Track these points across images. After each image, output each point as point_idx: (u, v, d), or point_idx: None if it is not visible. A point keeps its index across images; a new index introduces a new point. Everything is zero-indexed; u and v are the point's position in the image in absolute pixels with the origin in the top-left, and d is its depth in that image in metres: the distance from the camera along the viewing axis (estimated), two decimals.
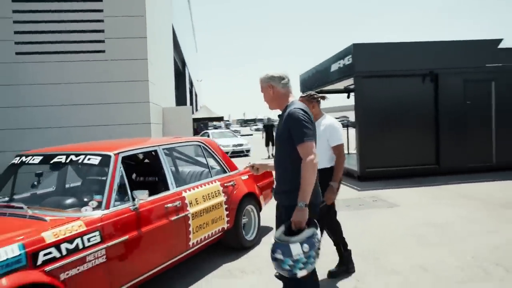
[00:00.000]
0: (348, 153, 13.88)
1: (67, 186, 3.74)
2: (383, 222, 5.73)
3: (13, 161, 3.74)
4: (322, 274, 3.68)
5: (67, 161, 3.38)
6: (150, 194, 3.41)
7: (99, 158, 3.32)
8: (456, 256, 4.27)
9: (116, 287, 3.03)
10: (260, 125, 54.11)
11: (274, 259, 2.41)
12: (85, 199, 3.15)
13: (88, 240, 2.82)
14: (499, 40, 9.60)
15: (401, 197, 7.27)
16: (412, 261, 4.18)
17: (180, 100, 21.52)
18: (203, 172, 4.71)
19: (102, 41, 8.16)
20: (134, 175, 4.49)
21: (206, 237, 4.13)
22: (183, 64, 23.74)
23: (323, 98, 3.91)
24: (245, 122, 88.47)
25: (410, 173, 9.44)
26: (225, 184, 4.50)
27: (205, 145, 4.65)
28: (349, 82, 11.08)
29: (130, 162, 4.44)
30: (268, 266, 3.97)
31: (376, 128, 9.33)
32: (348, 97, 14.82)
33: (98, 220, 2.96)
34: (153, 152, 3.88)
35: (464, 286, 3.56)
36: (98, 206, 3.05)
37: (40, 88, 7.99)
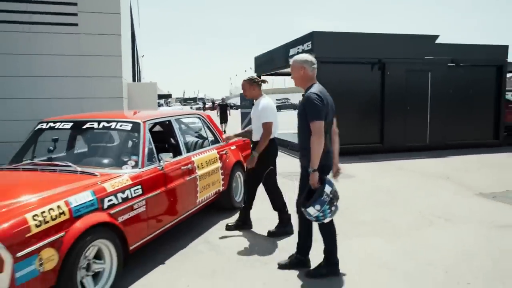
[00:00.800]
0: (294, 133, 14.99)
1: (99, 148, 4.19)
2: (345, 188, 6.68)
3: (39, 126, 4.12)
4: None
5: (100, 126, 3.86)
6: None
7: (131, 124, 3.84)
8: (407, 212, 5.33)
9: (150, 232, 3.63)
10: (201, 104, 55.15)
11: (308, 219, 3.32)
12: (123, 159, 3.68)
13: (134, 191, 3.39)
14: (436, 36, 10.97)
15: (354, 170, 8.35)
16: (376, 216, 5.18)
17: (133, 77, 21.25)
18: (203, 141, 5.32)
19: (75, 14, 8.26)
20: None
21: (208, 197, 4.79)
22: (133, 38, 23.32)
23: (264, 81, 4.64)
24: (185, 101, 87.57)
25: (358, 150, 10.62)
26: (220, 153, 5.16)
27: (203, 117, 5.27)
28: None
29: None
30: (255, 220, 4.75)
31: None
32: None
33: (139, 176, 3.52)
34: (167, 122, 4.44)
35: (416, 231, 4.59)
36: (136, 165, 3.61)
37: (11, 58, 7.96)
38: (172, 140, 4.50)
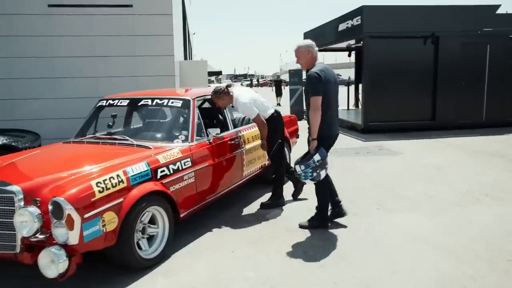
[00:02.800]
0: (348, 109, 14.83)
1: (153, 124, 4.54)
2: (391, 165, 6.71)
3: (100, 103, 4.50)
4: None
5: (153, 103, 4.16)
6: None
7: (181, 101, 4.12)
8: (454, 189, 5.28)
9: (199, 202, 3.93)
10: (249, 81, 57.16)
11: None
12: (175, 134, 3.97)
13: (184, 164, 3.68)
14: (497, 6, 10.31)
15: (402, 147, 8.25)
16: (419, 191, 5.19)
17: (184, 55, 21.84)
18: (244, 118, 5.52)
19: None
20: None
21: (253, 171, 5.02)
22: (184, 17, 23.80)
23: (228, 86, 4.50)
24: (235, 77, 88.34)
25: (409, 127, 10.39)
26: None
27: None
28: (352, 42, 11.86)
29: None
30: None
31: (380, 85, 10.16)
32: (349, 55, 15.61)
33: (188, 149, 3.80)
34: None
35: (462, 208, 4.57)
36: (186, 139, 3.88)
37: (71, 40, 8.51)
38: (220, 116, 4.74)
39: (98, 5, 8.55)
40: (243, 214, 4.58)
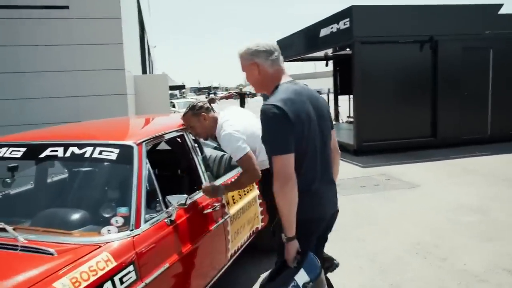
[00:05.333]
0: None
1: (67, 192, 2.65)
2: (414, 206, 5.10)
3: None
4: None
5: (67, 154, 2.31)
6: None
7: (117, 150, 2.29)
8: None
9: None
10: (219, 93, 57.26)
11: None
12: (104, 214, 2.14)
13: (121, 281, 1.86)
14: (499, 6, 9.10)
15: (413, 175, 6.70)
16: (487, 260, 3.54)
17: (143, 69, 19.86)
18: (225, 156, 3.75)
19: None
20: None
21: (242, 243, 3.24)
22: (142, 27, 21.83)
23: (212, 101, 2.97)
24: (199, 90, 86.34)
25: (407, 146, 8.93)
26: None
27: None
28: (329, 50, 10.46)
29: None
30: None
31: (373, 98, 8.67)
32: (327, 65, 14.18)
33: (130, 246, 1.98)
34: (178, 136, 2.86)
35: None
36: (125, 224, 2.07)
37: None
38: (187, 163, 2.94)
39: (22, 7, 6.59)
40: None
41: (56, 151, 2.33)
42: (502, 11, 9.09)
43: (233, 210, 3.01)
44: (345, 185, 6.26)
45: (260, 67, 2.01)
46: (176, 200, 2.31)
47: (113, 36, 7.05)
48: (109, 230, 2.02)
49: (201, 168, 2.87)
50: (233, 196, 3.07)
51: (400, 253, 3.75)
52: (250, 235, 3.41)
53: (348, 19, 8.53)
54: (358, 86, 8.67)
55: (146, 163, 2.32)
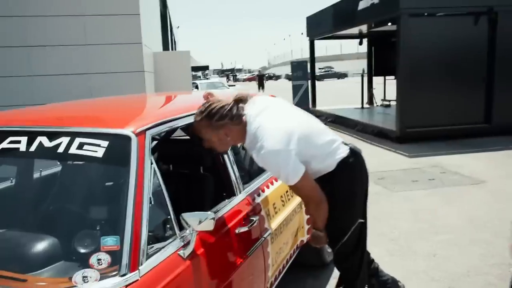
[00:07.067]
0: (362, 107, 12.25)
1: (27, 207, 1.81)
2: (486, 210, 4.16)
3: None
4: None
5: (31, 149, 1.52)
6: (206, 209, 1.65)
7: (105, 143, 1.47)
8: None
9: None
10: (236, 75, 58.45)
11: None
12: (79, 247, 1.34)
13: None
14: None
15: (472, 168, 5.71)
16: None
17: (165, 48, 19.10)
18: None
19: None
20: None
21: (284, 265, 2.43)
22: (164, 5, 21.01)
23: (241, 99, 1.86)
24: (222, 72, 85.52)
25: (456, 133, 7.88)
26: None
27: None
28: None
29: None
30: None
31: (419, 79, 7.62)
32: (361, 43, 13.07)
33: None
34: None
35: None
36: (114, 264, 1.27)
37: None
38: (212, 159, 2.12)
39: None
40: None
41: (18, 142, 1.54)
42: None
43: (274, 223, 2.18)
44: (394, 179, 5.36)
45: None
46: (196, 219, 1.49)
47: (128, 6, 6.27)
48: (85, 277, 1.22)
49: (232, 167, 2.05)
50: (274, 204, 2.25)
51: (490, 279, 2.86)
52: (294, 251, 2.59)
53: None
54: (404, 65, 7.62)
55: (151, 163, 1.50)
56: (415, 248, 3.32)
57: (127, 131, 1.51)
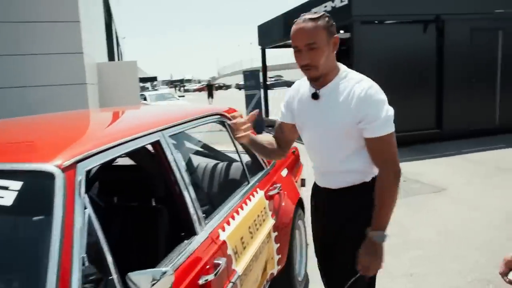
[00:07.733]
0: None
1: None
2: (452, 219, 4.06)
3: None
4: None
5: None
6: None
7: (18, 185, 1.08)
8: None
9: None
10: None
11: None
12: None
13: None
14: None
15: (432, 175, 5.69)
16: None
17: (110, 59, 18.25)
18: (225, 169, 2.57)
19: None
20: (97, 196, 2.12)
21: None
22: (109, 14, 20.14)
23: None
24: (171, 83, 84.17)
25: (409, 139, 7.93)
26: (269, 193, 2.42)
27: (227, 119, 2.46)
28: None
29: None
30: None
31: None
32: None
33: None
34: (156, 141, 1.64)
35: None
36: None
37: None
38: (165, 192, 1.75)
39: None
40: None
41: None
42: None
43: (243, 262, 1.84)
44: None
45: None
46: (148, 278, 1.13)
47: (67, 12, 5.75)
48: None
49: (190, 197, 1.69)
50: (242, 238, 1.91)
51: None
52: (264, 285, 2.26)
53: None
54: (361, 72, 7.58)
55: (85, 208, 1.12)
56: (390, 269, 3.10)
57: (49, 166, 1.12)
